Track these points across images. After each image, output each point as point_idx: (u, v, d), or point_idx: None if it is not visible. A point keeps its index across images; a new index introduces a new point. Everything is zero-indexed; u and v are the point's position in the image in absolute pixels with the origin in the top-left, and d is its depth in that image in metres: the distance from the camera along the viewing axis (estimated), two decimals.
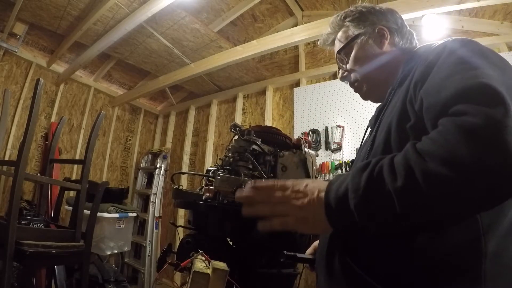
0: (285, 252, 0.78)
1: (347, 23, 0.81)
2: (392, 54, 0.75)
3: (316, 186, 0.52)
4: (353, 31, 0.79)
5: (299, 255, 0.83)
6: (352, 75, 0.80)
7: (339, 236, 0.60)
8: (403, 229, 0.47)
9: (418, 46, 0.77)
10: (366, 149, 0.65)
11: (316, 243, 0.88)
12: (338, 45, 0.83)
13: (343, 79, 0.85)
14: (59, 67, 3.30)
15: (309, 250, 0.90)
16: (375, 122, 0.70)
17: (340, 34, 0.83)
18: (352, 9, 0.82)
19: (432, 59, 0.55)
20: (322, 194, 0.50)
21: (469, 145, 0.39)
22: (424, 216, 0.42)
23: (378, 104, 0.78)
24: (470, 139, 0.39)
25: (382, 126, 0.62)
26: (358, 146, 0.93)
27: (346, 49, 0.80)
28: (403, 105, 0.56)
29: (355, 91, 0.82)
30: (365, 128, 0.82)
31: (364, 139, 0.80)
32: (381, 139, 0.59)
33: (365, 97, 0.82)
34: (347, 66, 0.80)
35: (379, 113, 0.69)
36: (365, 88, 0.79)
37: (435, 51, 0.57)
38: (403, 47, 0.76)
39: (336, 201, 0.48)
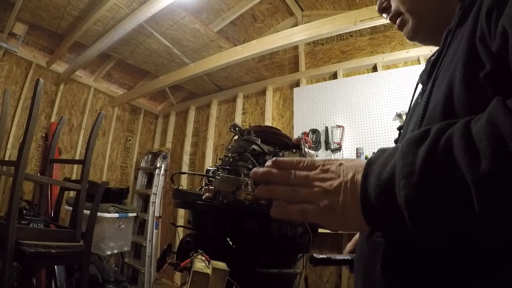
0: (314, 255, 0.69)
1: None
2: None
3: (354, 165, 0.38)
4: None
5: (333, 257, 0.71)
6: (394, 6, 0.62)
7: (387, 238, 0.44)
8: (483, 245, 0.32)
9: None
10: (418, 114, 0.46)
11: (356, 236, 0.76)
12: None
13: (382, 11, 0.66)
14: (59, 67, 3.30)
15: (349, 247, 0.76)
16: (428, 76, 0.52)
17: None
18: None
19: None
20: (359, 177, 0.36)
21: None
22: None
23: (432, 54, 0.59)
24: None
25: (440, 80, 0.45)
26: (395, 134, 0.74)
27: None
28: (470, 47, 0.39)
29: (398, 27, 0.64)
30: (414, 87, 0.63)
31: (412, 102, 0.61)
32: (440, 97, 0.41)
33: (411, 35, 0.62)
34: None
35: (434, 62, 0.51)
36: (411, 24, 0.61)
37: None
38: None
39: (378, 189, 0.33)
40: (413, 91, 0.62)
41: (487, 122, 0.28)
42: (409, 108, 0.63)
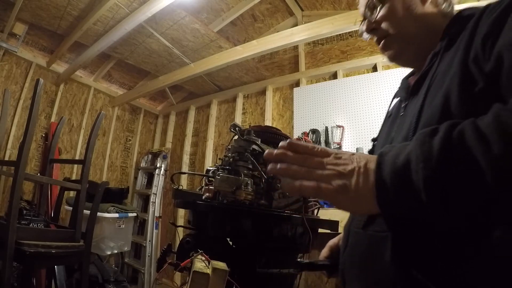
0: (298, 260, 0.70)
1: None
2: (433, 16, 0.64)
3: (365, 156, 0.42)
4: None
5: (316, 261, 0.73)
6: (383, 28, 0.66)
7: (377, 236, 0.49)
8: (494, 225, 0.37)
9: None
10: (410, 122, 0.52)
11: (331, 243, 0.79)
12: None
13: (370, 32, 0.70)
14: (59, 67, 3.30)
15: (325, 252, 0.78)
16: (412, 93, 0.60)
17: None
18: None
19: (504, 11, 0.44)
20: (372, 165, 0.40)
21: None
22: None
23: (404, 76, 0.69)
24: None
25: (432, 95, 0.51)
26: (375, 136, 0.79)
27: None
28: (464, 67, 0.46)
29: (383, 48, 0.69)
30: (390, 102, 0.70)
31: (391, 116, 0.68)
32: (436, 108, 0.47)
33: (393, 57, 0.69)
34: (379, 16, 0.67)
35: (419, 81, 0.58)
36: (396, 46, 0.66)
37: (505, 2, 0.46)
38: (444, 11, 0.65)
39: (393, 175, 0.37)
40: (388, 106, 0.69)
41: (494, 120, 0.34)
42: (385, 120, 0.70)
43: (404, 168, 0.36)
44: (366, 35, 0.72)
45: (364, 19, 0.71)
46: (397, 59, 0.69)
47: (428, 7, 0.64)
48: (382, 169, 0.38)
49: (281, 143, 0.47)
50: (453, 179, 0.33)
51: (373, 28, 0.69)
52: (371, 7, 0.68)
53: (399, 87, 0.71)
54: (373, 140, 0.78)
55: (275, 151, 0.46)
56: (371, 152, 0.75)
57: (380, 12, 0.66)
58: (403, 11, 0.64)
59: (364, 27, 0.71)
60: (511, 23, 0.42)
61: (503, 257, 0.37)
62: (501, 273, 0.37)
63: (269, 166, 0.47)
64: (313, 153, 0.44)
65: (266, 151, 0.48)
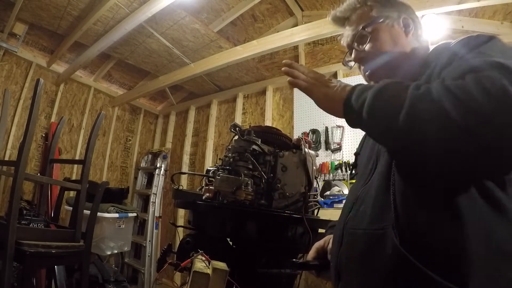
0: (294, 260, 0.74)
1: (370, 3, 0.76)
2: (416, 47, 0.73)
3: (345, 84, 0.61)
4: (377, 12, 0.74)
5: (309, 261, 0.78)
6: (371, 58, 0.74)
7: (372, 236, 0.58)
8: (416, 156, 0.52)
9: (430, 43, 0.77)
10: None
11: (317, 245, 0.83)
12: (358, 22, 0.76)
13: (359, 60, 0.77)
14: (59, 67, 3.30)
15: (312, 254, 0.83)
16: None
17: (359, 12, 0.77)
18: None
19: (457, 50, 0.58)
20: (348, 88, 0.59)
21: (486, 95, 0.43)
22: (448, 141, 0.45)
23: None
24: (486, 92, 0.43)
25: None
26: (358, 148, 0.89)
27: (371, 27, 0.73)
28: None
29: (369, 77, 0.76)
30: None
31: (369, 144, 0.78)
32: None
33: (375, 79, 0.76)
34: (368, 46, 0.73)
35: None
36: (383, 74, 0.72)
37: (460, 43, 0.60)
38: (423, 44, 0.75)
39: (359, 90, 0.57)
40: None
41: (427, 85, 0.50)
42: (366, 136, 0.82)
43: (362, 93, 0.55)
44: (351, 63, 0.82)
45: (350, 49, 0.79)
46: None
47: (411, 39, 0.74)
48: (352, 93, 0.58)
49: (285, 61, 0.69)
50: (392, 97, 0.51)
51: (361, 57, 0.76)
52: (360, 38, 0.75)
53: None
54: (356, 154, 0.86)
55: (292, 64, 0.68)
56: (354, 165, 0.86)
57: (369, 43, 0.73)
58: (390, 42, 0.72)
59: (352, 57, 0.79)
60: (456, 61, 0.56)
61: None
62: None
63: (284, 67, 0.67)
64: (313, 71, 0.66)
65: (284, 62, 0.69)
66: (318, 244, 0.83)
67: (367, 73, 0.76)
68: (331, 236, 0.78)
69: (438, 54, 0.64)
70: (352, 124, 0.58)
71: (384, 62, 0.72)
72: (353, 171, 0.85)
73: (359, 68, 0.79)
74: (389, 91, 0.53)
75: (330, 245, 0.78)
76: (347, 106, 0.57)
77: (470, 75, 0.47)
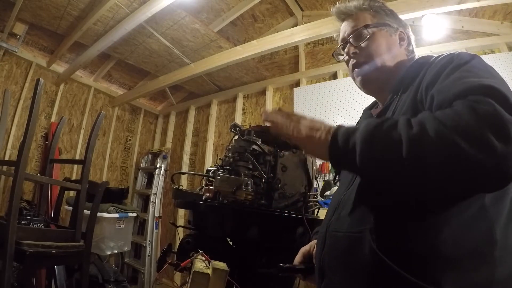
0: (281, 265, 0.76)
1: (376, 9, 0.82)
2: (403, 60, 0.79)
3: (329, 124, 0.61)
4: (381, 19, 0.80)
5: (295, 266, 0.80)
6: (364, 55, 0.78)
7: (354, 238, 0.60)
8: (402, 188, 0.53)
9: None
10: None
11: (304, 249, 0.85)
12: (360, 21, 0.81)
13: (352, 54, 0.81)
14: (59, 67, 3.30)
15: (298, 258, 0.85)
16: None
17: (364, 13, 0.82)
18: (380, 3, 0.83)
19: (442, 66, 0.61)
20: (332, 130, 0.59)
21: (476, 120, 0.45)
22: (430, 174, 0.46)
23: (366, 107, 0.87)
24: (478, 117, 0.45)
25: None
26: None
27: (372, 29, 0.78)
28: (414, 105, 0.62)
29: (358, 74, 0.80)
30: None
31: None
32: None
33: (364, 83, 0.81)
34: (365, 43, 0.78)
35: (383, 112, 0.73)
36: (370, 74, 0.78)
37: (444, 59, 0.63)
38: (410, 56, 0.81)
39: (344, 133, 0.56)
40: None
41: (419, 117, 0.51)
42: None
43: (353, 131, 0.55)
44: (341, 57, 0.86)
45: (344, 43, 0.83)
46: (367, 86, 0.81)
47: (402, 50, 0.80)
48: (337, 134, 0.57)
49: (272, 111, 0.67)
50: (381, 141, 0.51)
51: (355, 54, 0.80)
52: (358, 35, 0.79)
53: (362, 117, 0.87)
54: None
55: (271, 112, 0.66)
56: (337, 172, 0.88)
57: (366, 41, 0.78)
58: (385, 47, 0.77)
59: (345, 50, 0.83)
60: (443, 76, 0.58)
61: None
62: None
63: (264, 116, 0.67)
64: (295, 115, 0.65)
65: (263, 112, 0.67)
66: (304, 249, 0.85)
67: (359, 78, 0.80)
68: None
69: (419, 67, 0.68)
70: (340, 169, 0.59)
71: (375, 67, 0.76)
72: (337, 177, 0.88)
73: (347, 64, 0.83)
74: (379, 137, 0.52)
75: (315, 250, 0.79)
76: (333, 152, 0.57)
77: (463, 102, 0.49)
